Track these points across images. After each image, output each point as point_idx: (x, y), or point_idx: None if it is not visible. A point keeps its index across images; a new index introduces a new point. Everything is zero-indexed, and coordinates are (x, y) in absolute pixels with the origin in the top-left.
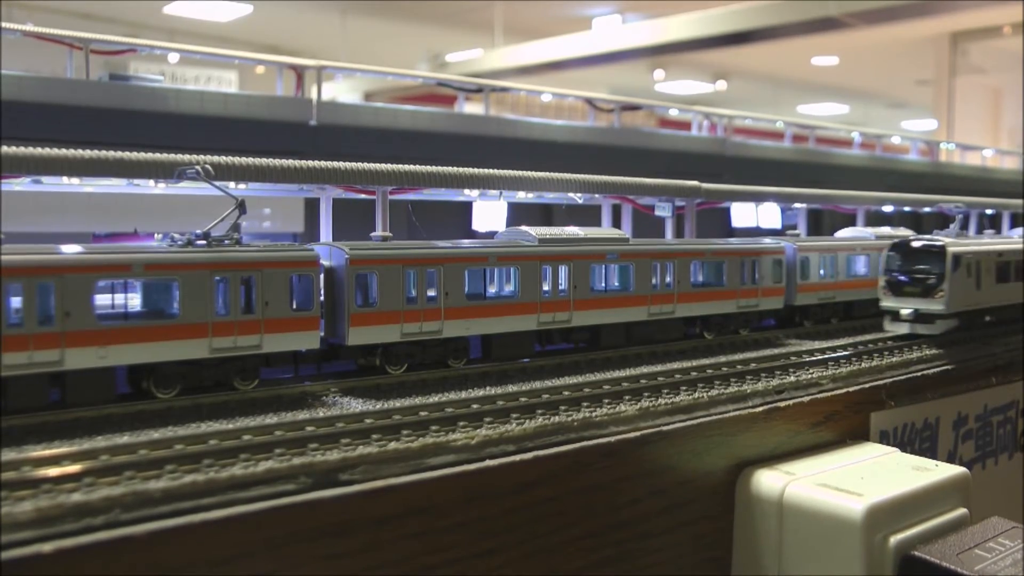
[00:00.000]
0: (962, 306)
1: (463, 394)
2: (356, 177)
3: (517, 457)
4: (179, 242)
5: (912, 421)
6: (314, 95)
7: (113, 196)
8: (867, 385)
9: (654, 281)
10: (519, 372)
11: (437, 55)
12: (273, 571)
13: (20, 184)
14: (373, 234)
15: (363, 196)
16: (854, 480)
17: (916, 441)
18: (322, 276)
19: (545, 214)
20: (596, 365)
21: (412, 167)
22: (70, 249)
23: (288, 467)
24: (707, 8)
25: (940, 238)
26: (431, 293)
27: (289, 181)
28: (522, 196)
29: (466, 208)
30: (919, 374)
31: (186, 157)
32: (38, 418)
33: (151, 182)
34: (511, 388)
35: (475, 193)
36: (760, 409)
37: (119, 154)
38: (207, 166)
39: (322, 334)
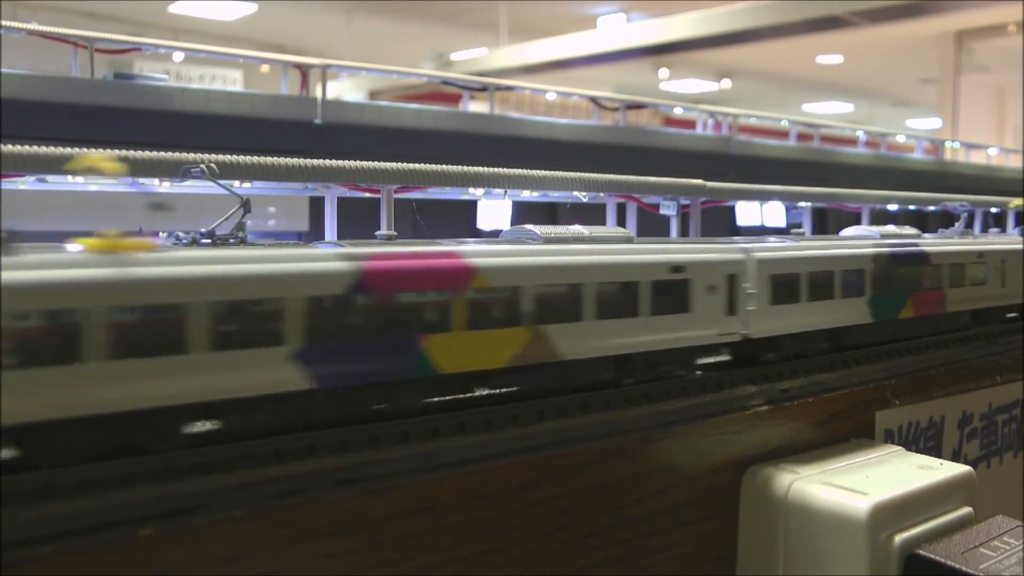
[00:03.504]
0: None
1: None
2: (361, 176)
3: (521, 456)
4: (184, 241)
5: (917, 420)
6: (319, 94)
7: (117, 195)
8: (872, 384)
9: None
10: None
11: (442, 54)
12: (275, 571)
13: (24, 183)
14: (378, 232)
15: (368, 195)
16: (859, 479)
17: (921, 440)
18: None
19: (550, 213)
20: None
21: (417, 166)
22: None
23: (293, 468)
24: (712, 7)
25: None
26: None
27: (294, 180)
28: (526, 195)
29: (471, 207)
30: (924, 373)
31: (191, 156)
32: None
33: (156, 181)
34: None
35: (480, 192)
36: (765, 408)
37: (123, 153)
38: (212, 165)
39: None
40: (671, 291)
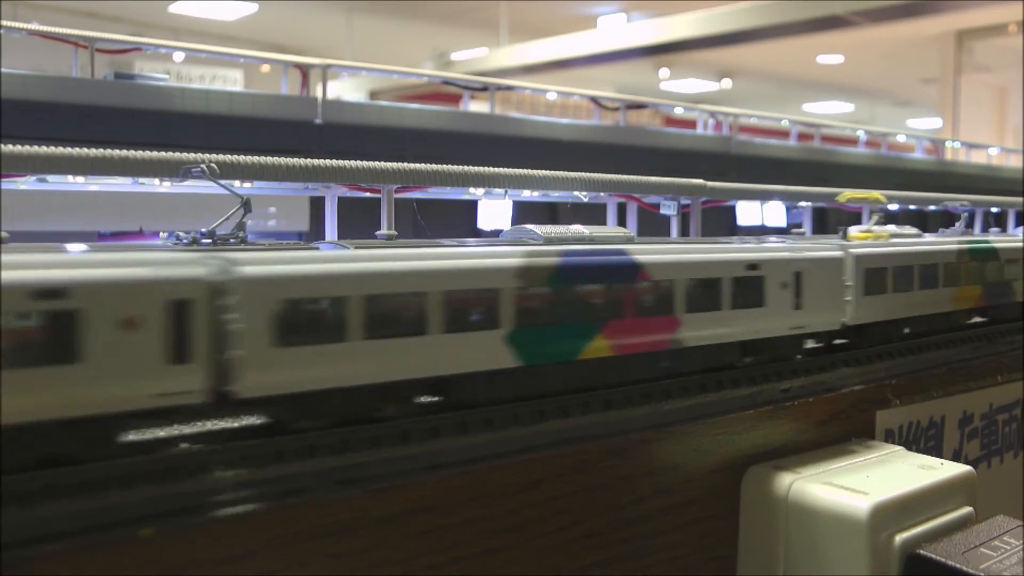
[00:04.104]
0: None
1: None
2: (361, 176)
3: (523, 456)
4: (184, 241)
5: (918, 420)
6: (319, 94)
7: (118, 195)
8: (872, 384)
9: None
10: None
11: (442, 54)
12: (276, 571)
13: (25, 183)
14: (378, 232)
15: (368, 195)
16: (859, 479)
17: (921, 440)
18: None
19: (550, 212)
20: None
21: (417, 166)
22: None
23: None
24: (712, 7)
25: None
26: None
27: (294, 180)
28: (527, 195)
29: (471, 206)
30: (924, 373)
31: (191, 156)
32: None
33: (156, 181)
34: None
35: (480, 191)
36: (766, 408)
37: (124, 153)
38: (212, 165)
39: None
40: (47, 330)
